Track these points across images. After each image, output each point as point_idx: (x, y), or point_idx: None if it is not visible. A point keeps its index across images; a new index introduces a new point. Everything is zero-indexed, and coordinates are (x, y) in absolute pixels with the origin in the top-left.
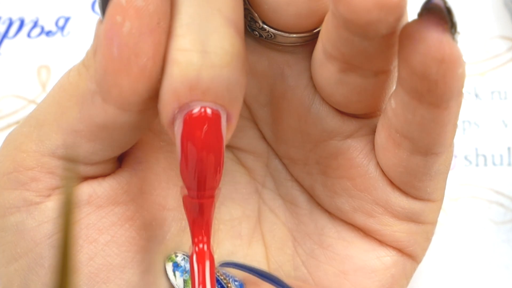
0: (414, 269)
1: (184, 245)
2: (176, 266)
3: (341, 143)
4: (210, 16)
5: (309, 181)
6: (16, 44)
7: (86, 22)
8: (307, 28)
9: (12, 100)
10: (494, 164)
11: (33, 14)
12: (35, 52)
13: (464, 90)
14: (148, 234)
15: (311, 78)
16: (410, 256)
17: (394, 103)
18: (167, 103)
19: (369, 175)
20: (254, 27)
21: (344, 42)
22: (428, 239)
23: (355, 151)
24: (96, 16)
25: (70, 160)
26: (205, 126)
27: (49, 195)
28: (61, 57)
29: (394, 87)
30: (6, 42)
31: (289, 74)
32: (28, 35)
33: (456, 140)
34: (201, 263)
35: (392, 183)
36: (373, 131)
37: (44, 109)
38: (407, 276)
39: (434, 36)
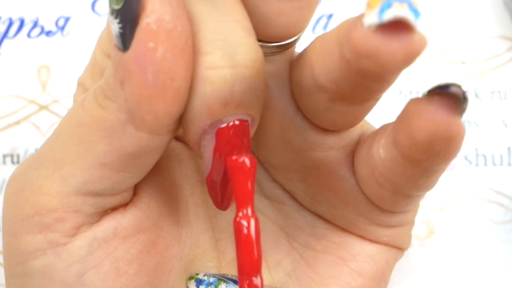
0: (401, 257)
1: (198, 259)
2: (199, 282)
3: (323, 154)
4: (231, 29)
5: (290, 186)
6: (16, 44)
7: (86, 22)
8: (290, 37)
9: (12, 100)
10: (494, 164)
11: (33, 14)
12: (35, 52)
13: None
14: (170, 255)
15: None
16: (399, 248)
17: (383, 155)
18: (199, 121)
19: (351, 188)
20: None
21: (349, 83)
22: (412, 228)
23: (338, 163)
24: (96, 16)
25: (96, 194)
26: (237, 137)
27: (75, 234)
28: (61, 57)
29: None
30: (6, 42)
31: (273, 85)
32: (28, 35)
33: None
34: (248, 227)
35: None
36: (354, 142)
37: (62, 148)
38: (395, 263)
39: (444, 118)
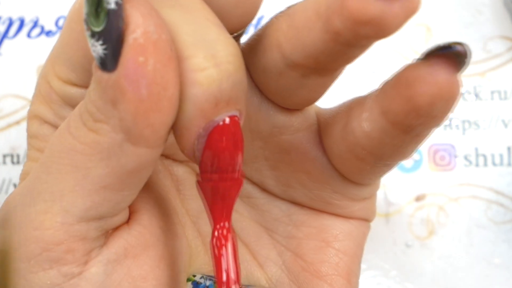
0: (369, 229)
1: (195, 265)
2: (195, 284)
3: (293, 137)
4: (206, 28)
5: (259, 177)
6: (16, 44)
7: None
8: (244, 27)
9: (12, 100)
10: (494, 164)
11: (33, 14)
12: (35, 52)
13: (464, 90)
14: (179, 268)
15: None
16: (368, 220)
17: (368, 127)
18: (193, 125)
19: (324, 167)
20: None
21: (331, 54)
22: (375, 199)
23: (308, 144)
24: None
25: (100, 218)
26: (228, 135)
27: (87, 262)
28: None
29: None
30: (6, 42)
31: None
32: (28, 35)
33: (456, 140)
34: (224, 245)
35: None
36: (315, 121)
37: (56, 178)
38: (367, 235)
39: (447, 78)
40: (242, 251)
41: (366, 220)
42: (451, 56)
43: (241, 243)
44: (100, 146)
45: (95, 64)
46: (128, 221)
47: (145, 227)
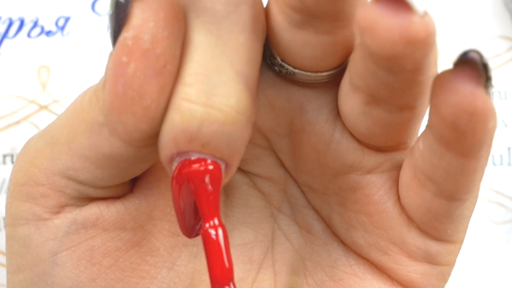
0: None
1: (197, 271)
2: None
3: (361, 178)
4: (221, 68)
5: (327, 211)
6: (16, 44)
7: (86, 22)
8: (326, 68)
9: (12, 100)
10: (494, 164)
11: (33, 14)
12: (35, 52)
13: None
14: (155, 260)
15: (331, 112)
16: None
17: (422, 146)
18: (166, 147)
19: (386, 213)
20: (274, 62)
21: (370, 74)
22: (444, 280)
23: (374, 187)
24: (96, 16)
25: (79, 182)
26: (200, 174)
27: (57, 213)
28: (61, 57)
29: (418, 125)
30: (6, 42)
31: (309, 109)
32: (28, 35)
33: None
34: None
35: (410, 222)
36: (394, 168)
37: (59, 128)
38: None
39: (467, 89)
40: (266, 278)
41: None
42: (469, 63)
43: (271, 270)
44: (88, 117)
45: None
46: (120, 197)
47: (128, 210)
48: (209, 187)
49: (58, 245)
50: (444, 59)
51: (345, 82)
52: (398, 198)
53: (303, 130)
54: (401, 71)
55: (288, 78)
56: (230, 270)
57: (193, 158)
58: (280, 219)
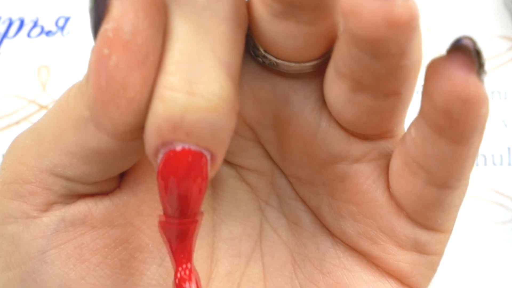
0: None
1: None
2: None
3: (348, 167)
4: (203, 56)
5: (315, 201)
6: (16, 44)
7: (86, 22)
8: (309, 59)
9: (12, 100)
10: (494, 164)
11: (33, 14)
12: (35, 52)
13: None
14: (144, 256)
15: (316, 102)
16: (412, 287)
17: (414, 133)
18: (151, 138)
19: (375, 202)
20: (257, 53)
21: (354, 60)
22: (433, 269)
23: (362, 176)
24: None
25: (67, 179)
26: (185, 166)
27: (46, 210)
28: (61, 57)
29: (404, 112)
30: (6, 42)
31: (294, 100)
32: (28, 35)
33: None
34: None
35: (399, 211)
36: (381, 156)
37: (45, 125)
38: None
39: (460, 75)
40: (255, 271)
41: (408, 284)
42: (461, 50)
43: (260, 264)
44: (74, 113)
45: None
46: (108, 193)
47: (116, 207)
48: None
49: (47, 243)
50: None
51: (330, 70)
52: (387, 186)
53: (289, 121)
54: (385, 56)
55: (272, 69)
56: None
57: (177, 148)
58: (268, 211)
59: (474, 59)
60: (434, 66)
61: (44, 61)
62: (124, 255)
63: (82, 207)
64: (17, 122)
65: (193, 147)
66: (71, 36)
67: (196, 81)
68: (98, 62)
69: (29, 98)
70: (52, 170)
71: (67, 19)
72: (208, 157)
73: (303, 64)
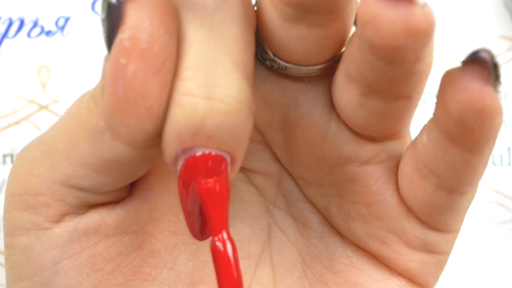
0: None
1: (196, 269)
2: None
3: (358, 169)
4: (218, 59)
5: (324, 203)
6: (16, 44)
7: (86, 22)
8: (318, 62)
9: (12, 100)
10: (494, 164)
11: (33, 14)
12: (35, 52)
13: None
14: (156, 261)
15: (325, 104)
16: (421, 285)
17: (426, 139)
18: (170, 145)
19: (385, 203)
20: (265, 57)
21: (368, 66)
22: (441, 268)
23: (372, 178)
24: (96, 16)
25: (81, 189)
26: (206, 171)
27: (58, 221)
28: (61, 57)
29: (413, 113)
30: (6, 42)
31: (303, 102)
32: (28, 35)
33: None
34: (224, 248)
35: (409, 212)
36: (390, 158)
37: (56, 136)
38: None
39: (476, 87)
40: (265, 273)
41: (417, 283)
42: (479, 62)
43: (269, 265)
44: (88, 124)
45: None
46: (120, 201)
47: (129, 214)
48: (217, 200)
49: (60, 254)
50: (444, 59)
51: (340, 74)
52: (397, 188)
53: (298, 124)
54: (401, 62)
55: (280, 73)
56: (239, 283)
57: (198, 154)
58: (276, 213)
59: (491, 71)
60: (450, 77)
61: (44, 61)
62: (137, 262)
63: (95, 217)
64: (17, 122)
65: (213, 152)
66: (71, 36)
67: (213, 85)
68: (115, 71)
69: (29, 98)
70: (65, 181)
71: (67, 19)
72: (228, 160)
73: (312, 67)
